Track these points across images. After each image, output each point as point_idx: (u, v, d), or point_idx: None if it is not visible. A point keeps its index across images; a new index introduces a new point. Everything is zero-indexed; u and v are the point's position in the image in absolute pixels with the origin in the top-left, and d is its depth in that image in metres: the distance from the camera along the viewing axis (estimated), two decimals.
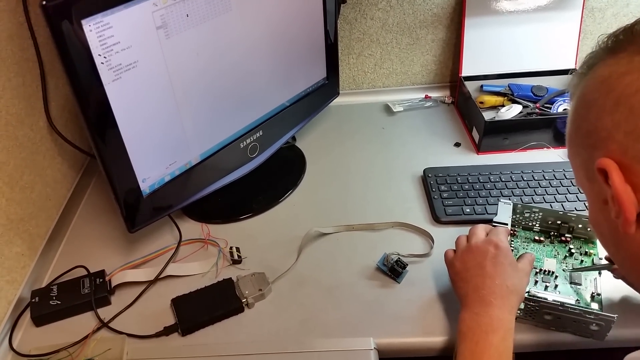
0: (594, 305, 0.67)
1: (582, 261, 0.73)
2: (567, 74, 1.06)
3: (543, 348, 0.66)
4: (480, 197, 0.85)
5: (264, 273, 0.75)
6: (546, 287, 0.70)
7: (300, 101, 0.93)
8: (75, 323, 0.72)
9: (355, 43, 1.11)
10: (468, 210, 0.84)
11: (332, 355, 0.65)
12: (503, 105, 1.04)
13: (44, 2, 0.54)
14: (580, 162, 0.49)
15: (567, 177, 0.87)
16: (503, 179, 0.88)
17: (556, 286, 0.70)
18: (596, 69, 0.46)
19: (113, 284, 0.75)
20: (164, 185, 0.76)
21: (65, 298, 0.72)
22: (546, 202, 0.84)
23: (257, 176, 0.90)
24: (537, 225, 0.77)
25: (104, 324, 0.71)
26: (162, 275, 0.77)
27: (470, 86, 1.06)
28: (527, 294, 0.64)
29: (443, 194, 0.87)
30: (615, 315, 0.60)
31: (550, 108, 1.00)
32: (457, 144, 1.01)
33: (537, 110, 1.00)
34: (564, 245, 0.75)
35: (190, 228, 0.85)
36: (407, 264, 0.74)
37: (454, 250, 0.69)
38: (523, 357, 0.66)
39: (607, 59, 0.45)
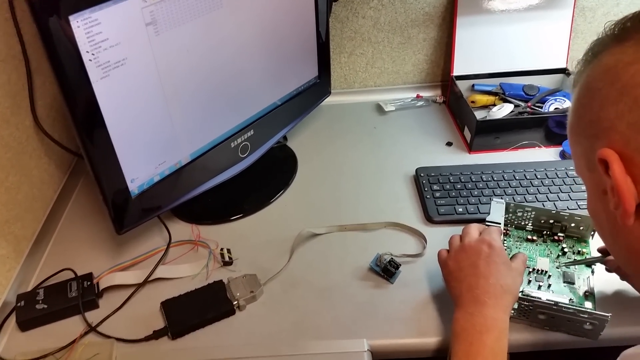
0: (588, 304, 0.67)
1: (574, 260, 0.73)
2: (558, 73, 1.07)
3: (537, 348, 0.66)
4: (472, 196, 0.85)
5: (256, 275, 0.74)
6: (539, 287, 0.69)
7: (291, 100, 0.93)
8: (62, 327, 0.70)
9: (346, 42, 1.11)
10: (460, 209, 0.83)
11: (325, 358, 0.64)
12: (494, 105, 1.04)
13: None
14: (581, 151, 0.48)
15: (559, 176, 0.87)
16: (495, 178, 0.88)
17: (549, 285, 0.70)
18: (601, 57, 0.45)
19: (101, 287, 0.74)
20: (153, 186, 0.75)
21: (52, 302, 0.71)
22: (538, 202, 0.84)
23: (248, 176, 0.89)
24: (530, 224, 0.77)
25: (91, 328, 0.69)
26: (151, 278, 0.75)
27: (462, 85, 1.06)
28: (520, 293, 0.64)
29: (435, 193, 0.86)
30: (609, 314, 0.60)
31: (541, 107, 1.00)
32: (449, 144, 1.01)
33: (528, 110, 1.00)
34: (556, 244, 0.75)
35: (180, 229, 0.84)
36: (400, 264, 0.74)
37: (448, 250, 0.69)
38: (517, 357, 0.66)
39: (613, 47, 0.44)
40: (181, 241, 0.82)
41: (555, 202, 0.83)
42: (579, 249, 0.74)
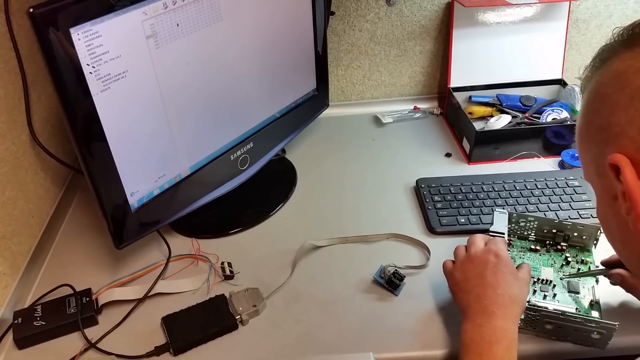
0: (594, 314, 0.66)
1: (578, 269, 0.73)
2: (554, 84, 1.08)
3: (544, 358, 0.65)
4: (474, 207, 0.85)
5: (258, 288, 0.73)
6: (545, 297, 0.69)
7: (290, 112, 0.92)
8: (61, 344, 0.68)
9: (343, 55, 1.11)
10: (463, 220, 0.83)
11: None
12: (492, 116, 1.04)
13: (31, 10, 0.52)
14: (590, 157, 0.48)
15: (559, 185, 0.88)
16: (496, 189, 0.88)
17: (555, 295, 0.69)
18: (611, 62, 0.45)
19: (100, 303, 0.72)
20: (153, 199, 0.74)
21: (50, 318, 0.69)
22: (540, 211, 0.84)
23: (247, 189, 0.88)
24: (533, 234, 0.77)
25: (91, 345, 0.68)
26: (151, 293, 0.74)
27: (459, 97, 1.06)
28: (527, 303, 0.63)
29: (437, 204, 0.86)
30: (616, 323, 0.60)
31: (539, 118, 1.01)
32: (448, 155, 1.01)
33: (526, 120, 1.01)
34: (560, 254, 0.75)
35: (180, 243, 0.83)
36: (405, 276, 0.73)
37: (453, 261, 0.68)
38: None
39: (622, 52, 0.44)
40: (181, 255, 0.81)
41: (557, 212, 0.83)
42: (583, 258, 0.74)
